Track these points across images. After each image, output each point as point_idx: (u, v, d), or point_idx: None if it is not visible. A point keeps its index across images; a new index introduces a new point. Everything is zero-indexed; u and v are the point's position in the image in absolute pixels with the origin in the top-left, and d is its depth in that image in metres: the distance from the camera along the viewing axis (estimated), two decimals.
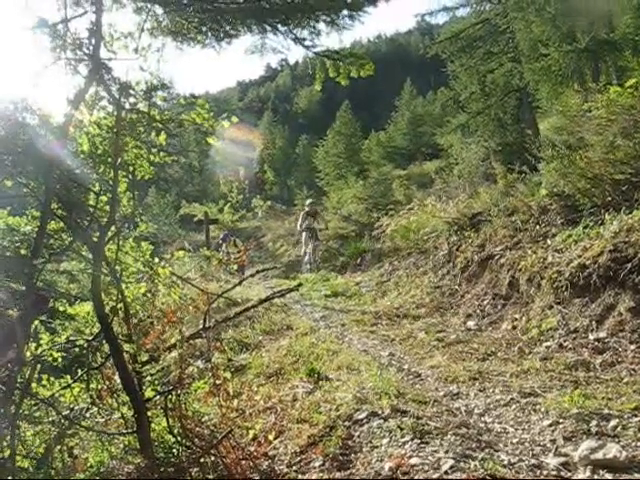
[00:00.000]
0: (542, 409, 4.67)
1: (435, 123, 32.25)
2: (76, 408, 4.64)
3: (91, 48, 4.25)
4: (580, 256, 6.96)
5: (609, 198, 7.69)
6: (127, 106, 4.40)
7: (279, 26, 5.48)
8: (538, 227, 8.62)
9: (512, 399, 5.02)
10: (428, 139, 35.04)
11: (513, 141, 16.54)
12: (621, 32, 16.11)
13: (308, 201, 19.56)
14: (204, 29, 5.24)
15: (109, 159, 4.42)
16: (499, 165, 15.25)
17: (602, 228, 7.09)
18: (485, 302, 8.59)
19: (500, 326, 7.72)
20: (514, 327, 7.41)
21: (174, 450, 4.38)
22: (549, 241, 8.01)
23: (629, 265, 6.23)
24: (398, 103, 53.67)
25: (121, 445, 4.65)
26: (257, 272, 6.89)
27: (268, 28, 5.52)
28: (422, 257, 11.97)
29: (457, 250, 10.49)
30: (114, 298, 4.41)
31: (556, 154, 9.45)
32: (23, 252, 4.35)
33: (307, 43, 5.66)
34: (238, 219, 29.40)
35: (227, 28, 5.27)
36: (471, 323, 8.20)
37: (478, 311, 8.50)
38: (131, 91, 4.35)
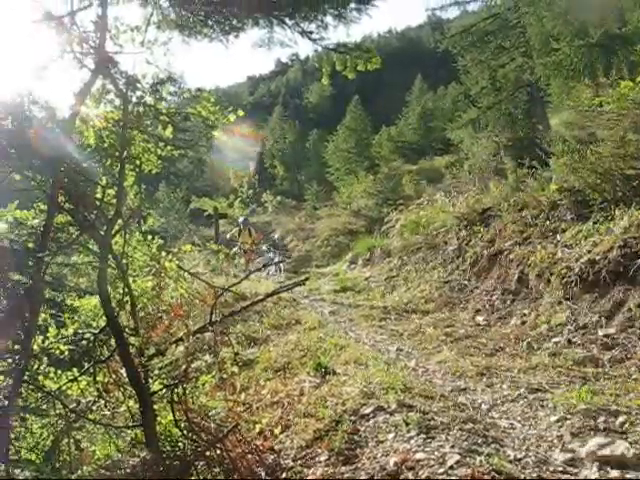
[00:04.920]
0: (550, 405, 4.66)
1: (446, 118, 31.98)
2: (83, 401, 4.65)
3: (97, 41, 4.24)
4: (590, 252, 6.93)
5: (619, 193, 7.64)
6: (134, 99, 4.39)
7: (286, 19, 5.46)
8: (548, 222, 8.58)
9: (519, 395, 5.00)
10: (438, 134, 34.81)
11: (524, 136, 16.42)
12: (633, 26, 15.98)
13: None
14: (210, 22, 5.22)
15: (116, 152, 4.42)
16: (509, 160, 15.20)
17: (612, 223, 7.05)
18: (494, 297, 8.56)
19: (509, 321, 7.69)
20: (523, 322, 7.38)
21: (180, 444, 4.38)
22: (559, 236, 7.98)
23: (639, 261, 6.19)
24: (409, 98, 53.54)
25: (128, 438, 4.66)
26: (263, 266, 6.88)
27: (275, 21, 5.50)
28: (431, 252, 11.94)
29: (466, 245, 10.47)
30: (121, 291, 4.41)
31: (567, 149, 9.42)
32: (30, 246, 4.35)
33: (314, 36, 5.63)
34: (248, 214, 29.38)
35: (233, 21, 5.25)
36: (480, 318, 8.18)
37: (487, 306, 8.48)
38: (138, 84, 4.34)
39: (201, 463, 4.25)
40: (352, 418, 4.41)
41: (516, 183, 11.58)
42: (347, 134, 40.52)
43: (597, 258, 6.73)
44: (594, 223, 7.44)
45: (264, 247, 18.52)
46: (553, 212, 8.71)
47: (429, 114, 44.04)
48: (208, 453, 4.24)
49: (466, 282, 9.74)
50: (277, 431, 4.83)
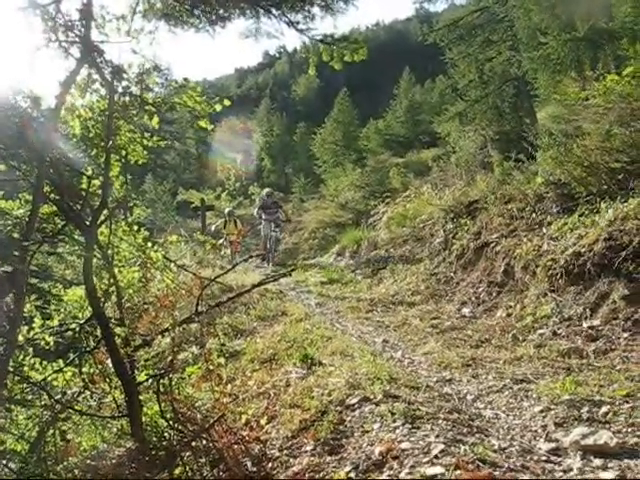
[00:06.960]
0: (534, 395, 4.69)
1: (433, 111, 31.97)
2: (68, 392, 4.64)
3: (82, 30, 4.21)
4: (575, 244, 6.96)
5: (605, 186, 7.68)
6: (120, 89, 4.37)
7: (273, 9, 5.44)
8: (534, 215, 8.61)
9: (504, 385, 5.03)
10: (426, 127, 34.88)
11: (511, 129, 16.46)
12: (620, 21, 16.06)
13: None
14: (196, 12, 5.19)
15: (101, 142, 4.40)
16: (496, 153, 15.26)
17: (597, 216, 7.09)
18: (480, 289, 8.59)
19: (495, 313, 7.72)
20: (508, 314, 7.42)
21: (166, 434, 4.38)
22: (544, 229, 8.01)
23: (624, 253, 6.22)
24: (396, 91, 53.50)
25: (114, 429, 4.65)
26: (250, 257, 6.88)
27: (261, 11, 5.48)
28: (418, 244, 11.97)
29: (453, 238, 10.49)
30: (107, 282, 4.40)
31: (553, 142, 9.46)
32: (15, 236, 4.33)
33: (301, 27, 5.62)
34: (235, 206, 29.30)
35: (220, 11, 5.23)
36: (466, 310, 8.21)
37: (473, 298, 8.51)
38: (124, 74, 4.32)
39: (187, 453, 4.25)
40: (338, 408, 4.42)
41: (502, 176, 11.62)
42: (334, 127, 40.44)
43: (582, 251, 6.76)
44: (579, 216, 7.48)
45: (254, 211, 17.99)
46: (539, 205, 8.74)
47: (417, 107, 44.03)
48: (194, 443, 4.25)
49: (452, 274, 9.77)
50: (263, 421, 4.84)
